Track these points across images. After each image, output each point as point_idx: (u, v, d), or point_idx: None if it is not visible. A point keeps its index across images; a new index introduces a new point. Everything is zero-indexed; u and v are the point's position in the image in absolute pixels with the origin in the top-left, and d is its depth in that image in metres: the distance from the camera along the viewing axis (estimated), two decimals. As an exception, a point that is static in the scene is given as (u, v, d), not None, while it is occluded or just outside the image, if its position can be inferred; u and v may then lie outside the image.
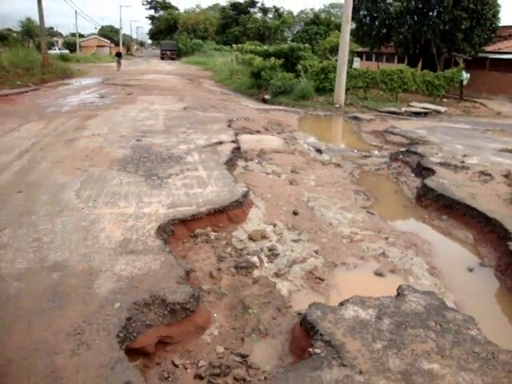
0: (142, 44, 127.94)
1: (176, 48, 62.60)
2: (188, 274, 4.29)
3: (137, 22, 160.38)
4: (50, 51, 32.78)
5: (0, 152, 8.53)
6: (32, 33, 47.38)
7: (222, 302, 4.32)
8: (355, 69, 21.91)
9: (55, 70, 27.32)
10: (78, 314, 3.48)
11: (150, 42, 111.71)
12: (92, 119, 12.48)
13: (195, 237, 5.59)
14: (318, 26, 51.88)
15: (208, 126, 11.92)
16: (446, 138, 11.92)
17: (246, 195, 6.66)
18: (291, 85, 19.60)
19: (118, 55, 37.34)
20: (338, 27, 29.78)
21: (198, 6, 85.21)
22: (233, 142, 10.22)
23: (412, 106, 18.48)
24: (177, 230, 5.50)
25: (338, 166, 9.62)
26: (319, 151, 10.91)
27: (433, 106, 18.56)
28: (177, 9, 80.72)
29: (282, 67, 21.48)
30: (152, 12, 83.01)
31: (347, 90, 18.97)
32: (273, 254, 5.36)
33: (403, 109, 17.89)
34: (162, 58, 61.52)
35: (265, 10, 68.82)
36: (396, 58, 29.43)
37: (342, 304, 3.83)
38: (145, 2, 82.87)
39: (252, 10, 67.59)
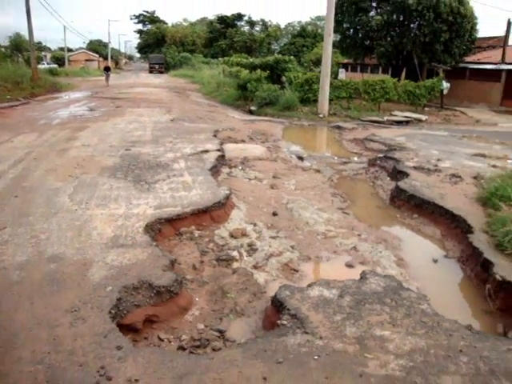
0: (130, 58, 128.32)
1: (164, 61, 62.97)
2: (172, 264, 4.76)
3: (125, 35, 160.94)
4: (38, 66, 32.93)
5: (-5, 161, 8.87)
6: (21, 47, 47.59)
7: (203, 288, 4.78)
8: (339, 80, 22.47)
9: (45, 84, 27.54)
10: (75, 295, 3.93)
11: (138, 55, 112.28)
12: (82, 131, 12.79)
13: (180, 235, 6.04)
14: (305, 39, 52.74)
15: (194, 136, 12.32)
16: (423, 145, 12.39)
17: (228, 197, 7.11)
18: (276, 96, 20.03)
19: (107, 69, 37.41)
20: (323, 39, 30.42)
21: (186, 19, 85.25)
22: (218, 150, 10.62)
23: (394, 115, 18.98)
24: (163, 229, 5.94)
25: (318, 171, 10.05)
26: (301, 158, 11.37)
27: (414, 115, 19.04)
28: (165, 23, 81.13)
29: (267, 79, 21.90)
30: (140, 26, 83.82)
31: (331, 100, 19.37)
32: (252, 249, 5.82)
33: (385, 118, 18.37)
34: (151, 72, 61.74)
35: (252, 23, 69.80)
36: (380, 68, 30.20)
37: (309, 286, 4.31)
38: (133, 17, 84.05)
39: (239, 23, 68.47)
